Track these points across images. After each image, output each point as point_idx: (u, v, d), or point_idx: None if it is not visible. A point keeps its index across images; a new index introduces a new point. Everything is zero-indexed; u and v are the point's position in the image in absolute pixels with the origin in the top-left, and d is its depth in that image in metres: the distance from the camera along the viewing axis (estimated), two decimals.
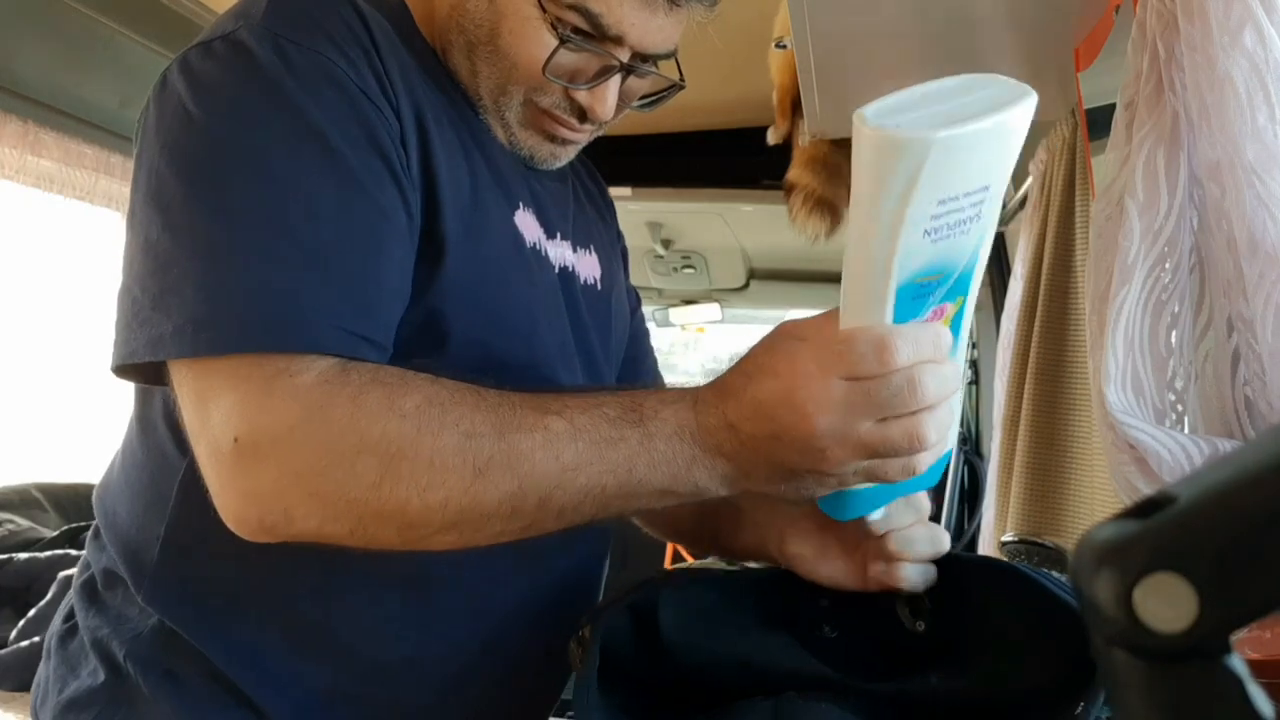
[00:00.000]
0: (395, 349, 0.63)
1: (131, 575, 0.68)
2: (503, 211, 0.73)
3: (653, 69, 0.75)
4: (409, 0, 0.75)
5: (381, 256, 0.61)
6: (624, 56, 0.71)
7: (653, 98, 0.79)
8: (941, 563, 0.65)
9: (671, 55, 0.76)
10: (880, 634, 0.64)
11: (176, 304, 0.55)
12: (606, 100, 0.73)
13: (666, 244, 2.79)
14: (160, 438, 0.68)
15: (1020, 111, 0.48)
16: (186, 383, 0.57)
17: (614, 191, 2.51)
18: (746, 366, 0.55)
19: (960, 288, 0.55)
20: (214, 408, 0.55)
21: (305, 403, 0.54)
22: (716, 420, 0.55)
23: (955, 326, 0.56)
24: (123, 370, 0.60)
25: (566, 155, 0.79)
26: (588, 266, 0.84)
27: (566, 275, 0.80)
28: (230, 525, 0.56)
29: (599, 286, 0.85)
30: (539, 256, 0.76)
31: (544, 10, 0.68)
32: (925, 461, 0.54)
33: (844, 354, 0.51)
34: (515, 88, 0.72)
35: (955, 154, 0.46)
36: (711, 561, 0.79)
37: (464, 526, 0.55)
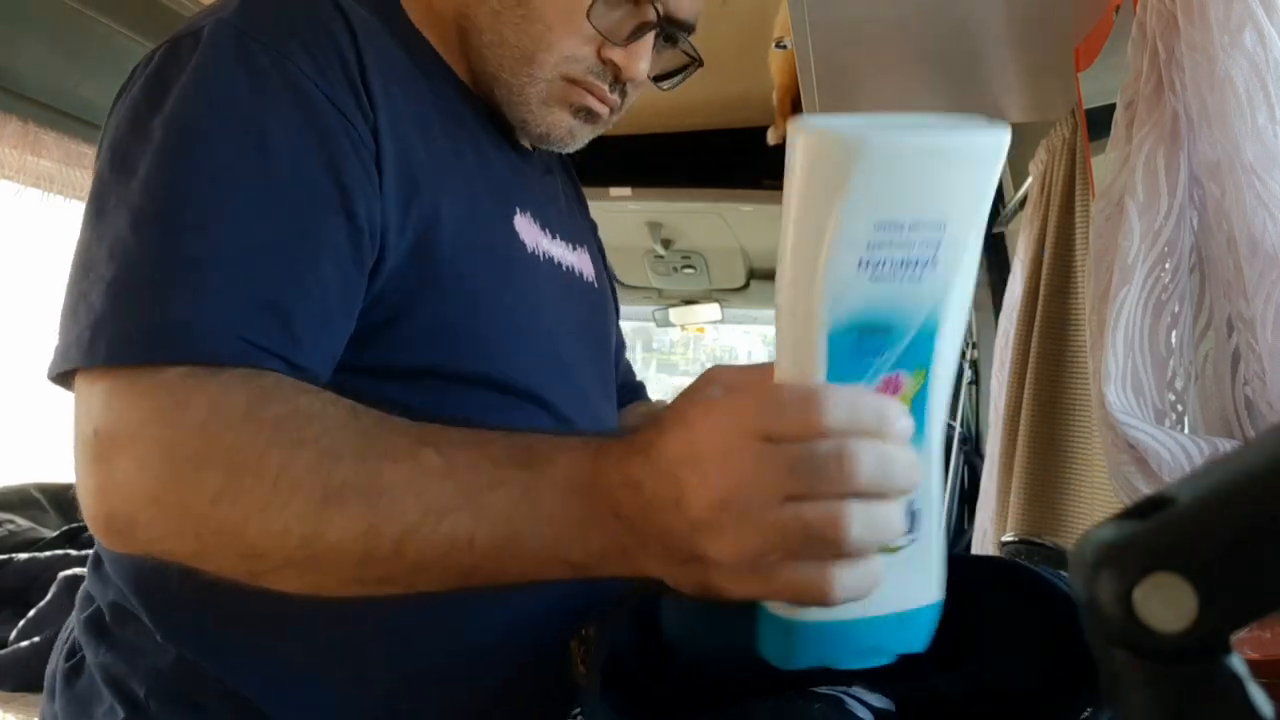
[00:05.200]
0: (406, 379, 0.61)
1: (147, 610, 0.63)
2: (502, 219, 0.71)
3: (684, 35, 0.74)
4: None
5: (312, 275, 0.56)
6: (656, 15, 0.70)
7: (673, 76, 0.78)
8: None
9: (693, 29, 0.74)
10: None
11: (84, 309, 0.52)
12: (642, 58, 0.71)
13: (666, 244, 2.79)
14: None
15: (984, 142, 0.41)
16: (80, 388, 0.53)
17: (614, 191, 2.52)
18: (665, 416, 0.46)
19: (919, 356, 0.45)
20: (87, 401, 0.51)
21: (162, 397, 0.49)
22: (618, 475, 0.45)
23: (918, 408, 0.45)
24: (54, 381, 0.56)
25: (583, 136, 0.76)
26: (584, 263, 0.83)
27: (569, 274, 0.78)
28: (90, 528, 0.52)
29: (596, 284, 0.84)
30: (540, 261, 0.74)
31: None
32: (847, 581, 0.41)
33: (764, 405, 0.41)
34: (546, 55, 0.69)
35: (896, 170, 0.40)
36: None
37: (308, 564, 0.47)
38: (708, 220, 2.62)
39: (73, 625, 0.70)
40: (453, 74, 0.72)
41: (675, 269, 3.00)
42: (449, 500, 0.46)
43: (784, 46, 1.62)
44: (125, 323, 0.51)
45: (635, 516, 0.44)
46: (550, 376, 0.70)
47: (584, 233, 0.87)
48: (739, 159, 2.29)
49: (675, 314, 3.36)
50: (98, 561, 0.70)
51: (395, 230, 0.61)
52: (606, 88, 0.72)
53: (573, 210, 0.88)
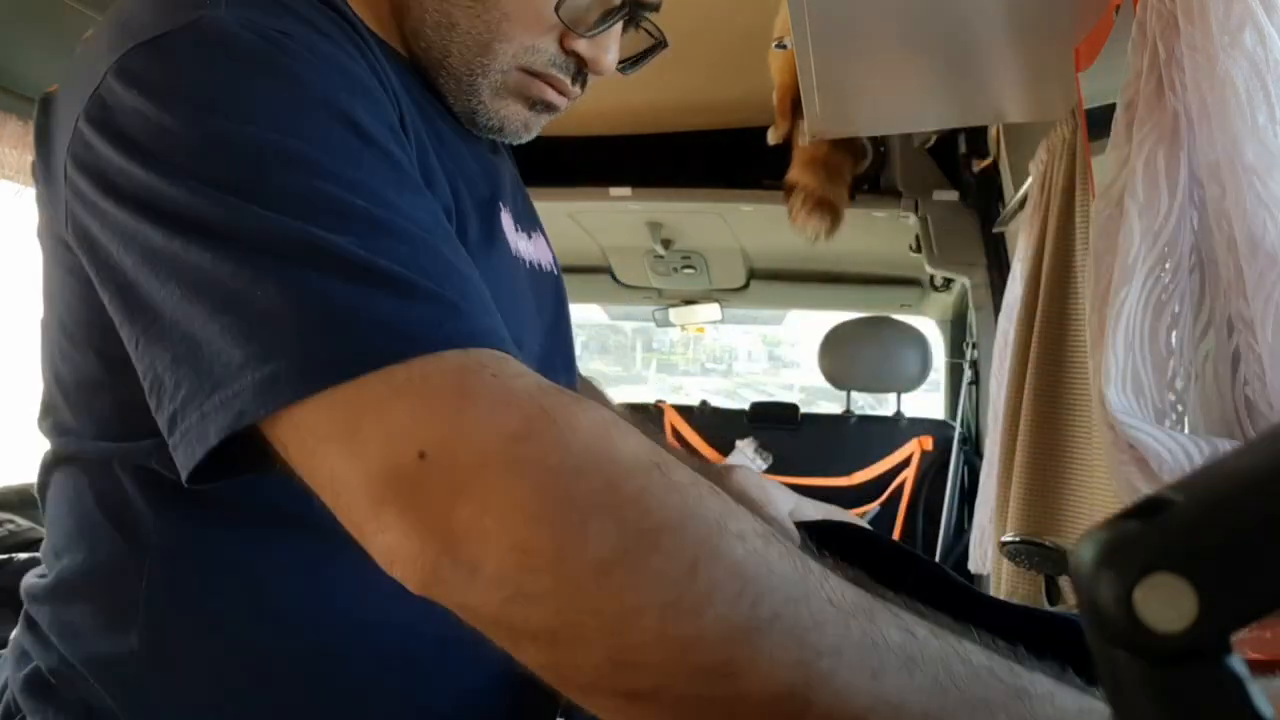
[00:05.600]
0: None
1: (103, 689, 0.55)
2: (495, 222, 0.65)
3: (650, 18, 0.67)
4: None
5: (463, 254, 0.49)
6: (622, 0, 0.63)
7: (637, 61, 0.71)
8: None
9: (658, 7, 0.68)
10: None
11: (273, 340, 0.41)
12: (610, 49, 0.64)
13: (666, 244, 2.79)
14: (110, 532, 0.56)
15: None
16: (318, 423, 0.41)
17: (614, 191, 2.52)
18: None
19: None
20: (376, 423, 0.40)
21: (529, 411, 0.39)
22: None
23: None
24: (198, 472, 0.44)
25: (538, 126, 0.68)
26: (540, 250, 0.76)
27: (536, 272, 0.72)
28: (388, 569, 0.40)
29: (555, 271, 0.78)
30: (522, 266, 0.69)
31: None
32: None
33: None
34: (503, 45, 0.62)
35: None
36: None
37: (692, 702, 0.34)
38: (708, 220, 2.62)
39: (7, 684, 0.61)
40: (399, 56, 0.64)
41: (675, 269, 3.01)
42: (912, 691, 0.34)
43: (784, 46, 1.62)
44: (354, 328, 0.41)
45: None
46: None
47: (532, 211, 0.80)
48: (739, 159, 2.29)
49: (675, 314, 3.37)
50: (33, 622, 0.60)
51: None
52: (569, 80, 0.65)
53: (519, 187, 0.79)
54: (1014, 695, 0.34)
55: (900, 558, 0.72)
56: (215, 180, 0.44)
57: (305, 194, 0.44)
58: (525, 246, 0.71)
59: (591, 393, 0.92)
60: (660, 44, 0.71)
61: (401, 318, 0.42)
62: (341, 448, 0.40)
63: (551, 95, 0.66)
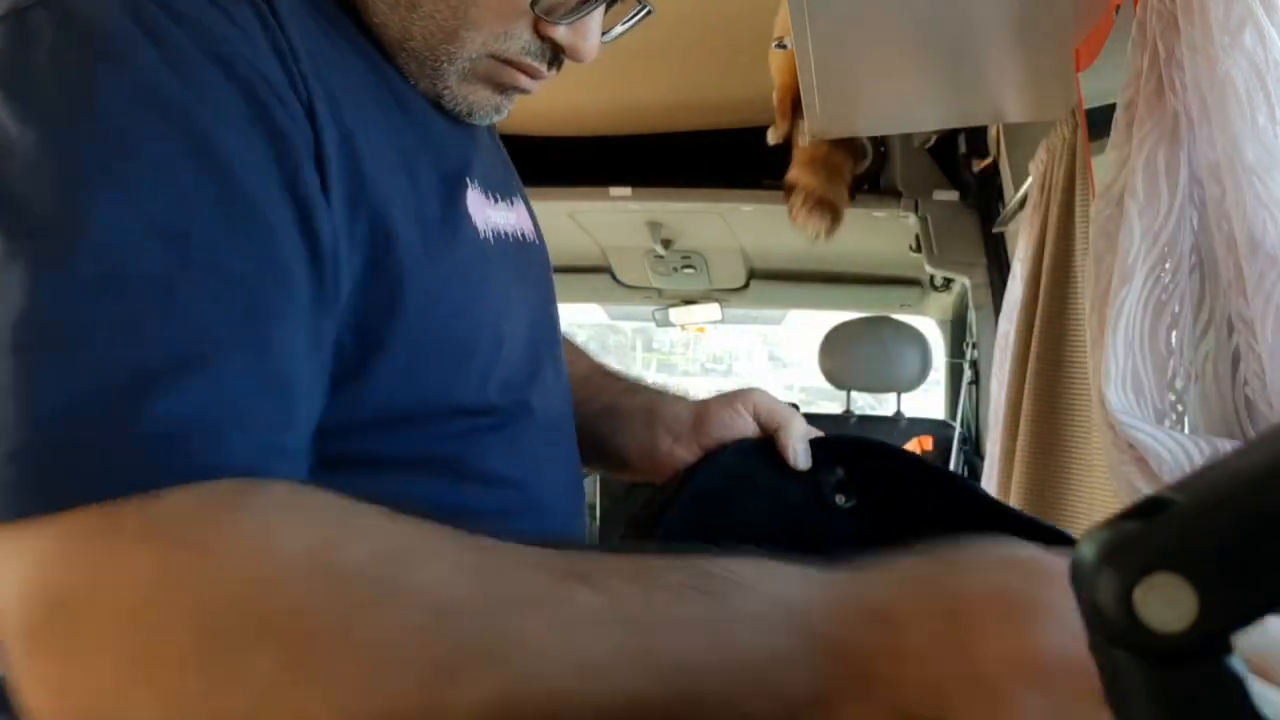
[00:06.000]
0: (381, 428, 0.50)
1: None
2: (455, 204, 0.59)
3: None
4: None
5: (295, 328, 0.43)
6: None
7: (617, 28, 0.65)
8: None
9: None
10: (890, 511, 0.64)
11: None
12: (590, 35, 0.59)
13: (666, 244, 2.79)
14: None
15: None
16: (7, 544, 0.36)
17: (614, 191, 2.52)
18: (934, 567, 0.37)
19: None
20: (17, 559, 0.35)
21: (169, 543, 0.35)
22: (855, 610, 0.37)
23: None
24: None
25: (509, 108, 0.64)
26: (522, 219, 0.71)
27: (516, 243, 0.67)
28: None
29: (537, 240, 0.73)
30: (492, 244, 0.63)
31: None
32: None
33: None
34: (472, 34, 0.56)
35: None
36: None
37: None
38: (708, 220, 2.62)
39: None
40: (350, 21, 0.57)
41: (675, 269, 3.01)
42: (614, 653, 0.35)
43: (784, 46, 1.62)
44: (69, 446, 0.36)
45: (872, 657, 0.36)
46: (519, 380, 0.62)
47: (511, 177, 0.74)
48: (739, 159, 2.29)
49: (675, 314, 3.37)
50: None
51: (345, 246, 0.48)
52: (543, 66, 0.60)
53: (501, 157, 0.74)
54: (711, 601, 0.36)
55: (924, 472, 0.72)
56: (23, 225, 0.39)
57: (111, 265, 0.38)
58: (502, 217, 0.65)
59: (575, 352, 0.87)
60: (646, 9, 0.65)
61: (116, 446, 0.36)
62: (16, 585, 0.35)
63: (524, 81, 0.61)
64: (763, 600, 0.37)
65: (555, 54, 0.60)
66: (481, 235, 0.61)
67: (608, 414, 0.80)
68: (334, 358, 0.48)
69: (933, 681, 0.35)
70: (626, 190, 2.30)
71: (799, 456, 0.71)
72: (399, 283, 0.51)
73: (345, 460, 0.49)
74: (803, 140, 2.00)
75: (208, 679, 0.34)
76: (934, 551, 0.38)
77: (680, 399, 0.81)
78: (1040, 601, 0.35)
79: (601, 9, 0.59)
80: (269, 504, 0.37)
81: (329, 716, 0.34)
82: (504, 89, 0.61)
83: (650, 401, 0.80)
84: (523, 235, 0.69)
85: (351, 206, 0.48)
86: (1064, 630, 0.33)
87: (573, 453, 0.70)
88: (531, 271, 0.69)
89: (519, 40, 0.57)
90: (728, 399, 0.77)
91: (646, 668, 0.35)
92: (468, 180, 0.61)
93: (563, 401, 0.70)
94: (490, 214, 0.63)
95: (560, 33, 0.58)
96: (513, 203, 0.69)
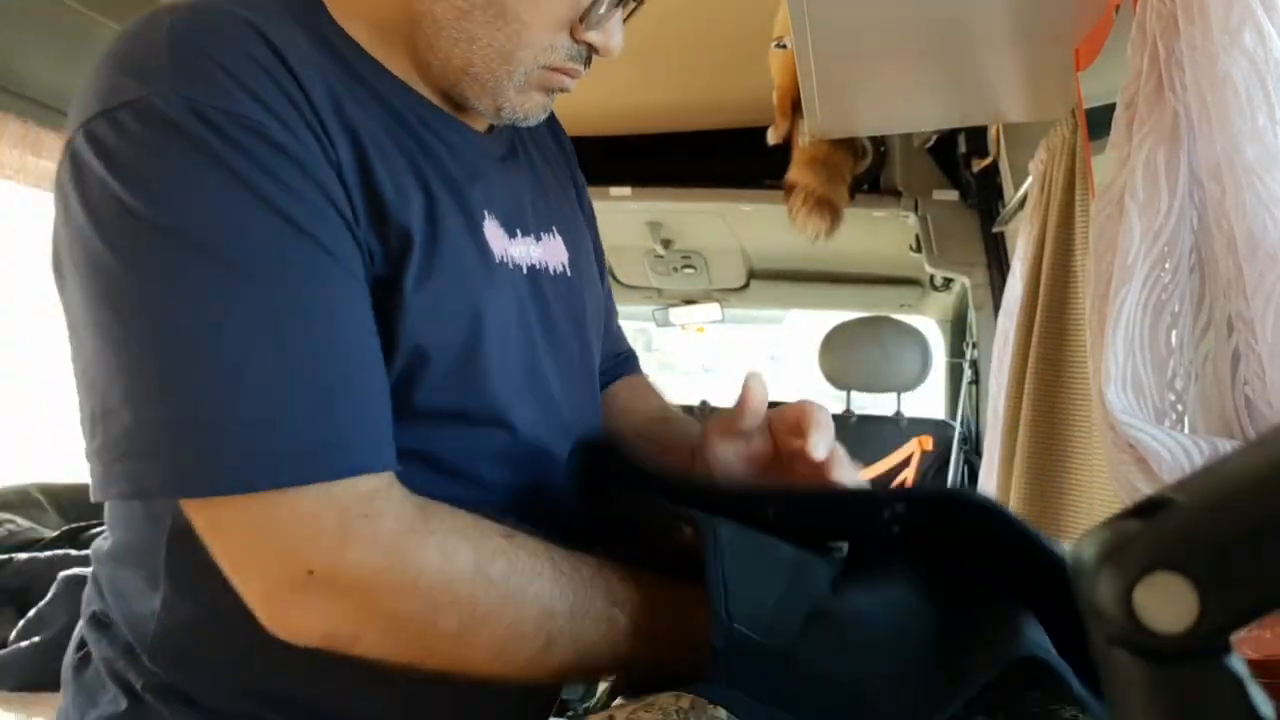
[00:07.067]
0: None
1: (135, 639, 0.68)
2: (467, 232, 0.69)
3: None
4: None
5: (374, 343, 0.60)
6: None
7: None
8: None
9: None
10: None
11: (196, 435, 0.53)
12: (616, 34, 0.70)
13: (666, 244, 2.80)
14: (150, 515, 0.67)
15: None
16: (225, 517, 0.56)
17: (614, 191, 2.51)
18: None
19: None
20: (278, 542, 0.55)
21: (390, 550, 0.56)
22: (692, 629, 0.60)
23: None
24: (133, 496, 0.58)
25: (551, 106, 0.75)
26: (554, 253, 0.79)
27: (535, 273, 0.75)
28: (284, 637, 0.57)
29: (568, 272, 0.80)
30: (508, 269, 0.72)
31: None
32: None
33: None
34: (525, 52, 0.67)
35: None
36: None
37: (513, 679, 0.60)
38: (708, 220, 2.62)
39: (81, 619, 0.75)
40: (389, 73, 0.68)
41: (675, 269, 3.01)
42: (634, 653, 0.61)
43: (784, 46, 1.62)
44: (250, 448, 0.53)
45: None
46: (516, 399, 0.70)
47: (559, 214, 0.83)
48: (739, 159, 2.29)
49: (675, 314, 3.37)
50: (95, 576, 0.74)
51: (373, 268, 0.62)
52: (582, 66, 0.71)
53: (546, 191, 0.83)
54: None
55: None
56: (163, 274, 0.54)
57: (240, 301, 0.54)
58: (520, 250, 0.74)
59: (644, 393, 0.97)
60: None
61: (306, 441, 0.55)
62: (249, 547, 0.56)
63: (567, 82, 0.71)
64: (691, 621, 0.59)
65: (589, 53, 0.70)
66: (499, 260, 0.71)
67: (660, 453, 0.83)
68: None
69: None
70: (626, 190, 2.30)
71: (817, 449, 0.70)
72: (404, 294, 0.62)
73: None
74: (803, 140, 2.00)
75: (417, 627, 0.57)
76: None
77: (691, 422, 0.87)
78: None
79: (622, 10, 0.70)
80: (443, 527, 0.58)
81: (482, 662, 0.58)
82: (550, 91, 0.72)
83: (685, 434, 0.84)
84: (546, 267, 0.77)
85: (378, 236, 0.62)
86: None
87: (558, 476, 0.75)
88: (557, 302, 0.77)
89: (562, 49, 0.68)
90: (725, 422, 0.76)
91: (640, 659, 0.61)
92: (483, 208, 0.71)
93: (560, 429, 0.75)
94: (509, 247, 0.73)
95: (593, 35, 0.69)
96: (541, 236, 0.78)
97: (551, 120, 0.89)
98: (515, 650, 0.58)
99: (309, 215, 0.57)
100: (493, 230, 0.71)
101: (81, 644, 0.74)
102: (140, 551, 0.68)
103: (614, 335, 0.98)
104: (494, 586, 0.57)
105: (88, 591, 0.74)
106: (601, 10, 0.68)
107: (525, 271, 0.74)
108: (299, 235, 0.56)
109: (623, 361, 0.99)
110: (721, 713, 0.52)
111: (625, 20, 0.72)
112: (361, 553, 0.55)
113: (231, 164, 0.55)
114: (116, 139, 0.55)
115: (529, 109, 0.71)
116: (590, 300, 0.83)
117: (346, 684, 0.66)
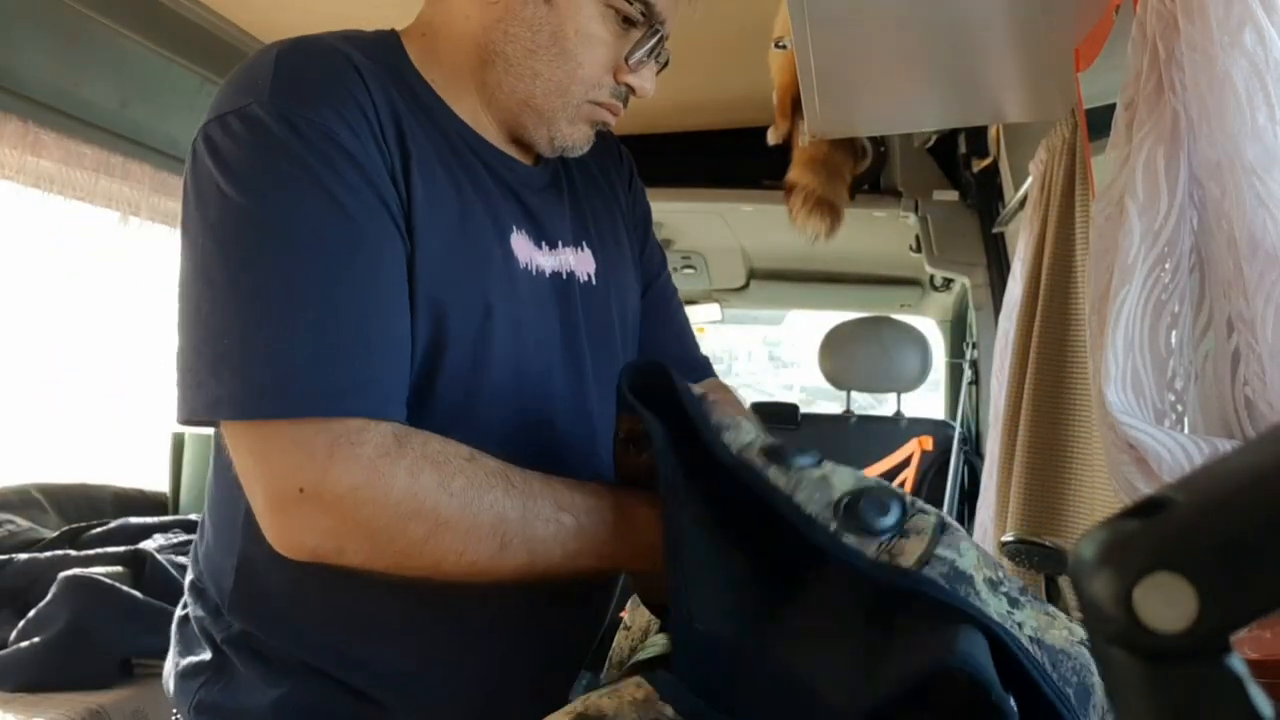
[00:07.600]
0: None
1: (216, 593, 0.82)
2: (498, 236, 0.80)
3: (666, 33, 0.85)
4: (405, 36, 0.83)
5: (401, 319, 0.71)
6: (661, 35, 0.82)
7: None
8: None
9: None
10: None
11: (230, 371, 0.66)
12: (650, 79, 0.84)
13: (666, 244, 2.80)
14: (232, 479, 0.76)
15: None
16: (242, 438, 0.68)
17: None
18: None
19: None
20: (277, 461, 0.66)
21: (368, 470, 0.65)
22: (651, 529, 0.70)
23: None
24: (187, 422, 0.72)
25: (593, 138, 0.87)
26: (584, 263, 0.90)
27: (561, 281, 0.86)
28: (281, 550, 0.68)
29: (594, 282, 0.90)
30: (531, 275, 0.83)
31: (612, 7, 0.78)
32: None
33: None
34: (578, 87, 0.81)
35: None
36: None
37: (480, 578, 0.69)
38: (708, 220, 2.62)
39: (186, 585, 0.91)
40: (452, 113, 0.81)
41: (675, 269, 3.01)
42: (579, 550, 0.70)
43: (784, 46, 1.62)
44: (279, 383, 0.65)
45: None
46: (526, 395, 0.81)
47: (596, 226, 0.94)
48: (739, 159, 2.29)
49: None
50: (194, 545, 0.90)
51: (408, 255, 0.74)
52: (622, 103, 0.85)
53: (581, 207, 0.94)
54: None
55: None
56: (237, 250, 0.68)
57: (288, 270, 0.67)
58: (548, 260, 0.86)
59: (720, 396, 1.00)
60: (661, 36, 0.87)
61: (313, 383, 0.66)
62: (256, 464, 0.68)
63: (610, 117, 0.85)
64: (639, 527, 0.71)
65: (628, 94, 0.84)
66: (523, 266, 0.82)
67: None
68: None
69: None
70: None
71: None
72: (428, 287, 0.73)
73: None
74: (803, 140, 2.00)
75: (389, 536, 0.66)
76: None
77: None
78: None
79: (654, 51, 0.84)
80: (414, 453, 0.67)
81: (448, 563, 0.67)
82: (594, 124, 0.85)
83: None
84: (577, 275, 0.88)
85: (408, 222, 0.75)
86: None
87: (568, 463, 0.82)
88: (582, 308, 0.87)
89: (607, 88, 0.82)
90: None
91: (590, 555, 0.70)
92: (512, 223, 0.83)
93: (574, 418, 0.85)
94: (536, 256, 0.84)
95: (632, 78, 0.83)
96: (573, 248, 0.89)
97: (610, 139, 1.01)
98: (475, 552, 0.67)
99: (361, 207, 0.69)
100: (520, 241, 0.82)
101: (184, 605, 0.90)
102: (224, 518, 0.82)
103: (681, 340, 1.08)
104: (454, 498, 0.66)
105: (190, 560, 0.90)
106: (639, 56, 0.82)
107: (549, 276, 0.85)
108: (349, 222, 0.68)
109: (693, 368, 1.05)
110: (669, 709, 0.54)
111: (658, 73, 0.87)
112: (342, 473, 0.65)
113: (306, 161, 0.68)
114: (223, 137, 0.70)
115: (577, 139, 0.84)
116: (617, 305, 0.93)
117: (394, 640, 0.79)
